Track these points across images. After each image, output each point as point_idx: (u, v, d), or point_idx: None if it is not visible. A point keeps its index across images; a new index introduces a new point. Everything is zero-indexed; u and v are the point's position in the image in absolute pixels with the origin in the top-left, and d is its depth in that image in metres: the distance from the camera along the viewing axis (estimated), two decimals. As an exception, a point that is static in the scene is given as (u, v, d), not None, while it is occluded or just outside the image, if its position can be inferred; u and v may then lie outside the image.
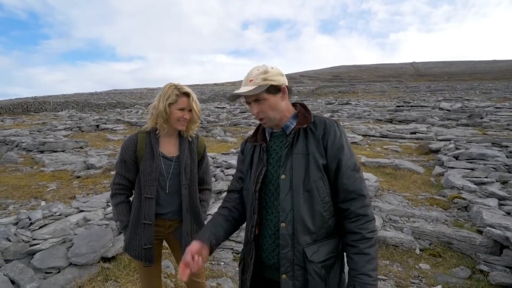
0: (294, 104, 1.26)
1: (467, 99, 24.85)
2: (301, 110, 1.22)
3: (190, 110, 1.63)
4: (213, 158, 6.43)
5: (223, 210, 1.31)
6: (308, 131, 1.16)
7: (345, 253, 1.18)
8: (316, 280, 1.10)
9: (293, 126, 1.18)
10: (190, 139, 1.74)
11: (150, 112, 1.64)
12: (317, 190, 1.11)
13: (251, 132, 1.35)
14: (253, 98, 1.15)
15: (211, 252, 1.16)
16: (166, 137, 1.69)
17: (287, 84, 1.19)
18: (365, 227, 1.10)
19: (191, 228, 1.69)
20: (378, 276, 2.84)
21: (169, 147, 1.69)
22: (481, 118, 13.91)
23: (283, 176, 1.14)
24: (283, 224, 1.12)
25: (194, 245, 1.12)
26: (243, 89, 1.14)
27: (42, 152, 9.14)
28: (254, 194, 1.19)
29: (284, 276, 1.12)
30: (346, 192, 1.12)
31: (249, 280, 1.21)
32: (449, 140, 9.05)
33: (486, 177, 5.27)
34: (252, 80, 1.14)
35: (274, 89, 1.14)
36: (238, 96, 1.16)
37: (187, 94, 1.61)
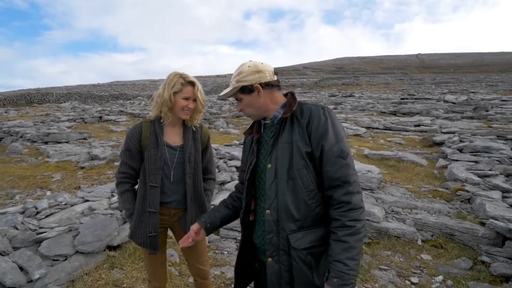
0: (285, 94, 1.28)
1: (472, 92, 24.53)
2: (289, 99, 1.23)
3: (195, 100, 1.63)
4: (216, 150, 6.45)
5: (227, 198, 1.49)
6: (294, 120, 1.17)
7: None
8: (300, 266, 1.13)
9: (280, 116, 1.20)
10: (194, 129, 1.74)
11: (155, 100, 1.63)
12: (301, 178, 1.12)
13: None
14: (234, 97, 1.25)
15: (207, 233, 1.42)
16: (170, 126, 1.69)
17: (263, 81, 1.19)
18: (346, 214, 1.07)
19: (195, 216, 1.71)
20: (380, 266, 2.87)
21: (173, 136, 1.70)
22: (487, 111, 13.75)
23: (269, 166, 1.18)
24: (268, 211, 1.17)
25: (193, 226, 1.40)
26: (222, 92, 1.26)
27: (46, 143, 9.21)
28: (245, 183, 1.30)
29: (270, 259, 1.18)
30: (330, 180, 1.10)
31: (236, 259, 1.36)
32: (454, 133, 8.97)
33: (490, 170, 5.24)
34: (232, 82, 1.24)
35: (247, 89, 1.20)
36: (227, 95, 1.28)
37: (192, 83, 1.61)
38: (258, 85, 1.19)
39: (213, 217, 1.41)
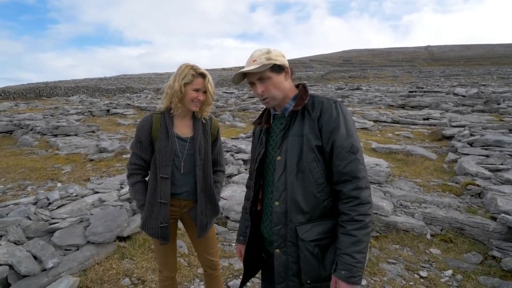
0: (297, 86, 1.27)
1: (483, 85, 23.98)
2: (301, 91, 1.23)
3: (205, 92, 1.62)
4: (223, 143, 6.46)
5: (245, 203, 1.43)
6: (305, 113, 1.17)
7: None
8: (308, 257, 1.13)
9: (291, 108, 1.20)
10: (204, 121, 1.74)
11: (165, 91, 1.63)
12: (310, 171, 1.12)
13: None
14: (257, 77, 1.17)
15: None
16: (180, 118, 1.69)
17: (288, 66, 1.21)
18: (355, 209, 1.08)
19: (205, 208, 1.72)
20: (388, 260, 2.86)
21: (183, 128, 1.70)
22: (498, 104, 13.45)
23: (278, 158, 1.18)
24: (276, 203, 1.18)
25: (238, 247, 1.49)
26: (247, 68, 1.16)
27: (55, 135, 9.35)
28: (253, 172, 1.30)
29: (277, 250, 1.19)
30: (340, 174, 1.11)
31: (244, 249, 1.37)
32: (464, 127, 8.82)
33: (502, 164, 5.15)
34: (255, 60, 1.16)
35: (278, 68, 1.17)
36: (243, 76, 1.21)
37: (203, 75, 1.60)
38: (288, 68, 1.20)
39: (245, 230, 1.40)
